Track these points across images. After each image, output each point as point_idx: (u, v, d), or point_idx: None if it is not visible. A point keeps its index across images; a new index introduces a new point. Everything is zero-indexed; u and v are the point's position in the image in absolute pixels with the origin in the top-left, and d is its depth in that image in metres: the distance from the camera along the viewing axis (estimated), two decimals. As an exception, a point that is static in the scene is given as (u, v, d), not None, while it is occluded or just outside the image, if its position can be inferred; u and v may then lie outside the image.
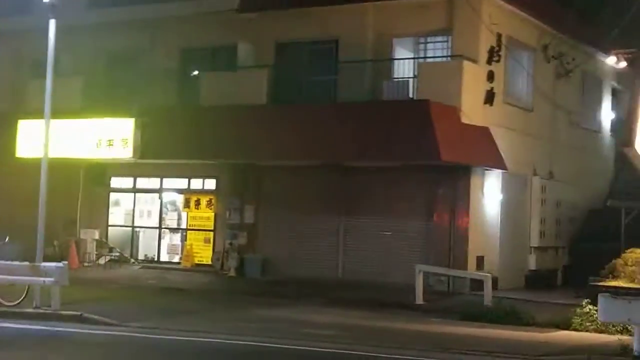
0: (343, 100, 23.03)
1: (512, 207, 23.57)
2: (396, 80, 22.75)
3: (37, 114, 20.60)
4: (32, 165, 20.29)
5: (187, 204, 25.52)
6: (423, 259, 21.30)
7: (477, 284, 20.15)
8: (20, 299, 16.75)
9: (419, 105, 21.05)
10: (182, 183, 25.83)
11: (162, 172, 25.81)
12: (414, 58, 23.25)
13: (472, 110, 21.80)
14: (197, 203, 25.35)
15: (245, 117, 22.94)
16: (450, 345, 14.45)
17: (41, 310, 16.27)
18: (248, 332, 14.96)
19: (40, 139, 18.55)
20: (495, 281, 20.63)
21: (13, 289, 17.04)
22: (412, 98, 21.99)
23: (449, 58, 22.75)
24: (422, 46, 23.69)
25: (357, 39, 23.41)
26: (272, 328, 15.62)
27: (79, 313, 15.92)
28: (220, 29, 25.07)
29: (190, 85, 25.36)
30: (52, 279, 16.30)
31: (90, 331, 14.78)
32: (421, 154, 20.72)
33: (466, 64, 21.70)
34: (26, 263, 17.11)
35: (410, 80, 22.45)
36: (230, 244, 24.31)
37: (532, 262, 24.47)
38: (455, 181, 21.92)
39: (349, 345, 14.02)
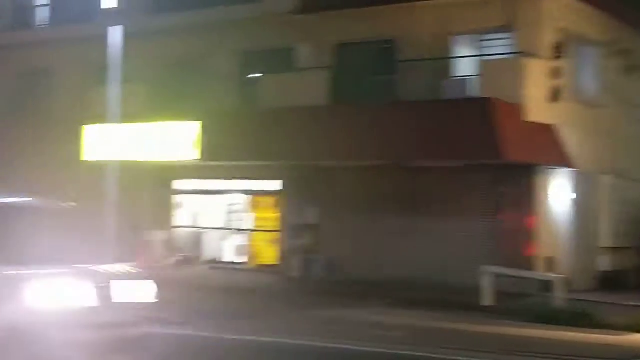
0: (402, 100, 22.96)
1: (580, 207, 23.19)
2: (456, 78, 22.58)
3: (103, 119, 21.05)
4: (100, 170, 20.71)
5: (252, 206, 25.74)
6: (489, 260, 21.06)
7: (546, 286, 19.80)
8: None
9: (481, 103, 20.87)
10: (246, 185, 26.07)
11: (226, 174, 26.08)
12: (474, 56, 23.05)
13: (536, 107, 21.52)
14: (262, 204, 25.56)
15: (306, 118, 23.04)
16: (519, 348, 14.30)
17: (110, 313, 16.51)
18: (313, 333, 15.00)
19: (105, 143, 18.93)
20: (565, 283, 20.31)
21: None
22: (473, 96, 21.81)
23: (510, 55, 22.49)
24: (482, 43, 23.47)
25: (416, 37, 23.33)
26: (337, 329, 15.64)
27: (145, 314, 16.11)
28: (279, 31, 25.23)
29: (251, 88, 25.58)
30: (121, 282, 16.55)
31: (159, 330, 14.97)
32: (484, 153, 20.55)
33: (529, 60, 21.45)
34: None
35: (471, 78, 22.28)
36: (295, 244, 24.45)
37: (602, 263, 23.99)
38: (520, 180, 21.67)
39: (416, 347, 13.96)
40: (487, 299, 19.43)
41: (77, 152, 25.60)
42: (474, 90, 21.96)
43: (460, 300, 19.81)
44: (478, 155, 20.80)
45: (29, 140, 27.14)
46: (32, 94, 29.71)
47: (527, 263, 21.16)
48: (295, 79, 24.44)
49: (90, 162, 25.14)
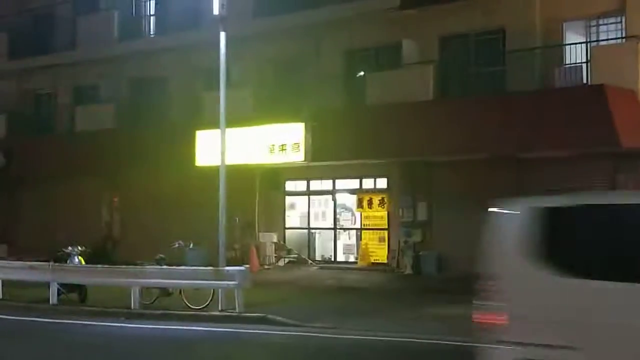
0: (512, 91, 22.50)
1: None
2: (568, 66, 21.95)
3: (213, 124, 21.44)
4: (211, 173, 21.11)
5: (360, 204, 25.73)
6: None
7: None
8: (207, 303, 17.41)
9: (594, 90, 20.22)
10: (354, 183, 26.11)
11: (334, 174, 26.18)
12: (586, 42, 22.35)
13: (652, 92, 20.72)
14: (370, 202, 25.52)
15: (413, 114, 22.85)
16: None
17: (226, 313, 16.84)
18: (427, 330, 14.85)
19: (216, 147, 19.25)
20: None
21: (199, 293, 17.77)
22: (585, 84, 21.18)
23: (623, 40, 21.71)
24: (593, 29, 22.75)
25: (524, 26, 22.78)
26: (451, 326, 15.41)
27: (261, 315, 16.36)
28: (382, 28, 25.13)
29: (356, 86, 25.55)
30: (235, 282, 16.86)
31: (273, 332, 15.16)
32: (599, 141, 19.90)
33: (642, 44, 20.65)
34: (210, 268, 17.79)
35: (584, 65, 21.62)
36: (405, 241, 24.30)
37: None
38: (637, 168, 20.88)
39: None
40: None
41: (191, 156, 26.15)
42: (588, 77, 21.32)
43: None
44: (592, 143, 20.14)
45: (145, 146, 27.90)
46: (146, 101, 30.59)
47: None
48: (401, 75, 24.26)
49: (203, 166, 25.65)
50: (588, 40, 22.45)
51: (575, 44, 22.37)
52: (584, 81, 21.30)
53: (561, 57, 22.46)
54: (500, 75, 23.28)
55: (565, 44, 22.54)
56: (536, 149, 21.38)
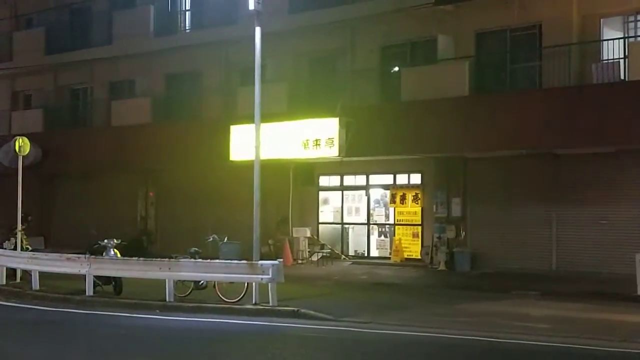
0: (548, 87, 22.32)
1: None
2: (605, 62, 21.74)
3: (248, 119, 21.56)
4: (246, 168, 21.22)
5: (393, 200, 25.69)
6: (644, 248, 20.26)
7: None
8: (241, 296, 17.50)
9: (632, 86, 20.05)
10: (387, 179, 26.08)
11: (367, 169, 26.18)
12: (624, 38, 22.10)
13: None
14: (403, 198, 25.47)
15: (448, 109, 22.77)
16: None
17: (260, 307, 16.90)
18: (460, 325, 14.82)
19: (251, 142, 19.32)
20: None
21: (233, 287, 17.85)
22: (623, 79, 20.95)
23: (662, 35, 21.48)
24: (631, 25, 22.49)
25: (561, 21, 22.60)
26: (485, 322, 15.39)
27: (295, 309, 16.39)
28: (418, 24, 25.06)
29: (391, 82, 25.51)
30: (269, 277, 16.92)
31: (306, 326, 15.19)
32: (637, 137, 19.73)
33: (681, 39, 20.39)
34: (244, 262, 17.87)
35: (621, 61, 21.40)
36: (439, 237, 24.25)
37: None
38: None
39: (566, 338, 13.55)
40: (643, 289, 18.60)
41: (225, 151, 26.27)
42: (624, 73, 21.10)
43: (612, 290, 19.05)
44: (630, 139, 19.98)
45: (180, 140, 28.09)
46: (181, 96, 30.79)
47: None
48: (436, 70, 24.18)
49: (237, 161, 25.76)
50: (626, 35, 22.21)
51: (613, 39, 22.13)
52: (622, 77, 21.07)
53: (598, 53, 22.24)
54: (536, 71, 23.13)
55: (603, 40, 22.32)
56: (572, 145, 21.22)
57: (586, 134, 20.60)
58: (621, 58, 21.52)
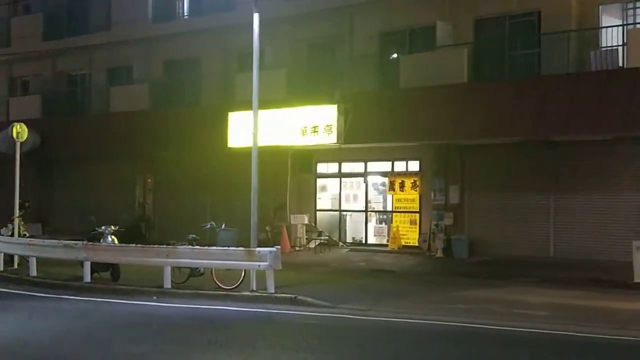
0: (547, 74, 22.28)
1: None
2: (604, 49, 21.68)
3: (245, 105, 21.51)
4: (243, 155, 21.18)
5: (391, 187, 25.68)
6: (640, 236, 20.30)
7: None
8: (238, 283, 17.50)
9: (630, 73, 20.02)
10: (385, 166, 26.06)
11: (366, 156, 26.15)
12: (622, 25, 22.05)
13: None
14: (402, 185, 25.46)
15: (446, 96, 22.73)
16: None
17: (257, 293, 16.91)
18: (458, 313, 14.86)
19: (249, 129, 19.29)
20: None
21: (230, 274, 17.86)
22: (621, 67, 20.91)
23: (659, 22, 21.43)
24: (630, 12, 22.43)
25: (560, 8, 22.55)
26: (482, 309, 15.42)
27: (292, 295, 16.41)
28: (417, 10, 25.02)
29: (390, 69, 25.44)
30: (266, 263, 16.92)
31: (303, 312, 15.21)
32: (634, 124, 19.70)
33: (680, 26, 20.34)
34: (242, 248, 17.88)
35: (620, 48, 21.35)
36: (436, 225, 24.25)
37: None
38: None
39: (563, 325, 13.58)
40: (638, 276, 18.59)
41: (223, 138, 26.23)
42: (623, 60, 21.06)
43: (609, 277, 19.11)
44: (628, 127, 19.94)
45: (179, 127, 28.05)
46: (179, 82, 30.73)
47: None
48: (435, 57, 24.10)
49: (235, 148, 25.72)
50: (624, 23, 22.15)
51: (612, 26, 22.10)
52: (620, 64, 21.03)
53: (597, 40, 22.19)
54: (535, 58, 23.08)
55: (601, 27, 22.26)
56: (571, 133, 21.20)
57: (584, 121, 20.57)
58: (620, 45, 21.48)
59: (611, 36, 21.97)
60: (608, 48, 21.62)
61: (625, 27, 21.93)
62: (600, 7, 22.44)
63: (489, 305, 15.99)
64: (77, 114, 33.76)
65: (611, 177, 21.59)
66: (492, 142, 23.01)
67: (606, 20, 22.49)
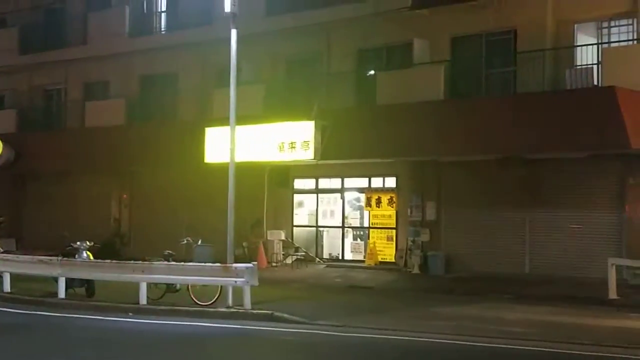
0: (523, 92, 22.46)
1: None
2: (579, 67, 21.90)
3: (223, 121, 21.49)
4: (220, 170, 21.12)
5: (368, 203, 25.72)
6: (616, 253, 20.45)
7: (677, 278, 19.04)
8: (214, 299, 17.42)
9: (605, 92, 20.20)
10: (362, 182, 26.10)
11: (343, 172, 26.18)
12: (597, 44, 22.29)
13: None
14: (378, 201, 25.50)
15: (423, 113, 22.82)
16: (649, 342, 13.71)
17: (234, 310, 16.83)
18: (434, 329, 14.83)
19: (226, 145, 19.25)
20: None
21: (207, 290, 17.77)
22: (596, 85, 21.13)
23: (634, 41, 21.65)
24: (605, 30, 22.69)
25: (536, 27, 22.75)
26: (459, 325, 15.43)
27: (269, 312, 16.35)
28: (394, 28, 25.12)
29: (367, 86, 25.52)
30: (243, 279, 16.86)
31: (280, 329, 15.15)
32: (609, 142, 19.89)
33: (653, 46, 20.60)
34: (218, 264, 17.80)
35: (595, 67, 21.58)
36: (413, 241, 24.30)
37: None
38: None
39: (539, 342, 13.63)
40: (612, 292, 18.76)
41: (200, 153, 26.16)
42: (599, 79, 21.28)
43: (585, 294, 19.22)
44: (602, 145, 20.12)
45: (155, 143, 27.93)
46: (156, 98, 30.64)
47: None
48: (412, 74, 24.21)
49: (212, 163, 25.65)
50: (599, 41, 22.40)
51: (587, 45, 22.34)
52: (595, 83, 21.25)
53: (572, 58, 22.41)
54: (511, 77, 23.27)
55: (577, 46, 22.50)
56: (546, 150, 21.35)
57: (560, 139, 20.72)
58: (595, 64, 21.71)
59: (586, 55, 22.21)
60: (583, 66, 21.83)
61: (600, 45, 22.17)
62: (575, 25, 22.68)
63: (465, 321, 16.02)
64: (53, 129, 33.53)
65: (586, 194, 21.74)
66: (469, 159, 23.13)
67: (581, 38, 22.72)
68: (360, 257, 25.98)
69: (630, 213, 21.05)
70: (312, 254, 26.77)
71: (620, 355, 12.71)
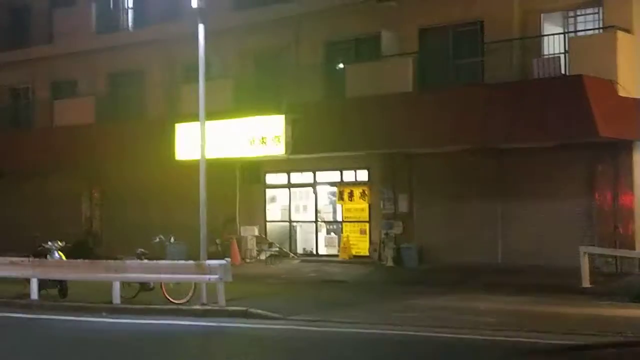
0: (491, 82, 22.57)
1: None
2: (546, 57, 22.04)
3: (192, 117, 21.40)
4: (192, 167, 21.04)
5: (341, 197, 25.72)
6: (586, 241, 20.64)
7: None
8: (188, 297, 17.36)
9: (572, 81, 20.36)
10: (334, 176, 26.10)
11: (314, 166, 26.15)
12: (564, 33, 22.44)
13: (630, 82, 20.84)
14: (351, 195, 25.52)
15: (392, 105, 22.87)
16: (622, 329, 13.82)
17: (208, 307, 16.77)
18: (408, 321, 14.87)
19: (196, 141, 19.17)
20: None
21: (180, 288, 17.69)
22: (564, 74, 21.28)
23: (601, 30, 21.84)
24: (571, 20, 22.85)
25: (503, 17, 22.86)
26: (433, 317, 15.49)
27: (244, 308, 16.31)
28: (362, 20, 25.14)
29: (336, 78, 25.52)
30: (216, 276, 16.80)
31: (255, 325, 15.12)
32: (577, 131, 20.04)
33: (620, 34, 20.78)
34: (191, 262, 17.73)
35: (562, 56, 21.74)
36: (386, 234, 24.35)
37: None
38: (616, 157, 21.08)
39: (513, 332, 13.69)
40: (585, 280, 18.95)
41: (171, 150, 26.02)
42: (566, 68, 21.44)
43: (557, 283, 19.39)
44: (571, 133, 20.27)
45: (125, 140, 27.75)
46: (125, 95, 30.43)
47: (625, 242, 20.58)
48: (380, 66, 24.25)
49: (183, 160, 25.52)
50: (566, 31, 22.55)
51: (553, 34, 22.48)
52: (562, 72, 21.39)
53: (539, 48, 22.55)
54: (479, 67, 23.37)
55: (543, 35, 22.63)
56: (516, 140, 21.47)
57: (528, 128, 20.86)
58: (562, 53, 21.86)
59: (553, 44, 22.35)
60: (550, 56, 21.97)
61: (566, 34, 22.32)
62: (542, 15, 22.80)
63: (439, 312, 16.09)
64: (21, 128, 33.21)
65: (556, 183, 21.90)
66: (439, 150, 23.20)
67: (548, 28, 22.86)
68: (334, 252, 25.98)
69: (600, 201, 21.25)
70: (286, 249, 26.74)
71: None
